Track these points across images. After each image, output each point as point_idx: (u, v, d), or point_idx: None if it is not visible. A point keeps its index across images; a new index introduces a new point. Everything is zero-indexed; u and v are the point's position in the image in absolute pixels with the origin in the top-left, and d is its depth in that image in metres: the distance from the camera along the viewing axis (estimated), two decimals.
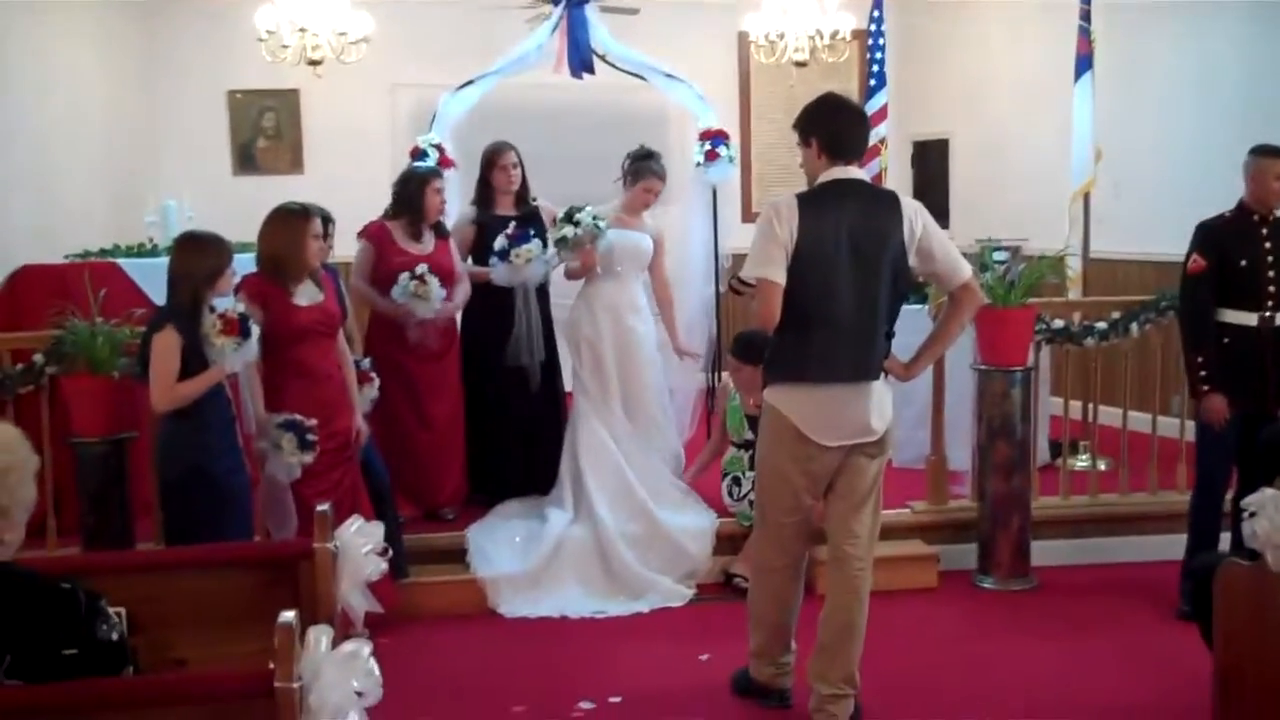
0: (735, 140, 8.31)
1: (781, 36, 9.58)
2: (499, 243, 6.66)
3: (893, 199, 4.70)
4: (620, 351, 6.61)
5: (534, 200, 7.05)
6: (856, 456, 4.67)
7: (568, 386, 7.05)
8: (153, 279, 6.11)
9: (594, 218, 6.45)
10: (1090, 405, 6.98)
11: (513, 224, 6.74)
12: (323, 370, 5.57)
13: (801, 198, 4.59)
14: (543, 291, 6.96)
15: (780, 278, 4.51)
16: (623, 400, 6.63)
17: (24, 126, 8.17)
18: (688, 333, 7.21)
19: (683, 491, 6.61)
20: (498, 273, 6.69)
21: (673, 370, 6.93)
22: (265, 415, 5.40)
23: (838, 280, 4.52)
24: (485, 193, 6.98)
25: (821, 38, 9.52)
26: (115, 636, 2.93)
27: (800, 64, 9.62)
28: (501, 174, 6.92)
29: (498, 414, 6.85)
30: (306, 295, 5.55)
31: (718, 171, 7.66)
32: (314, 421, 5.39)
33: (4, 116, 7.89)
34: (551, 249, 6.66)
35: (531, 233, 6.71)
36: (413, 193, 6.61)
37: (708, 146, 7.61)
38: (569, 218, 6.45)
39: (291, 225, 5.50)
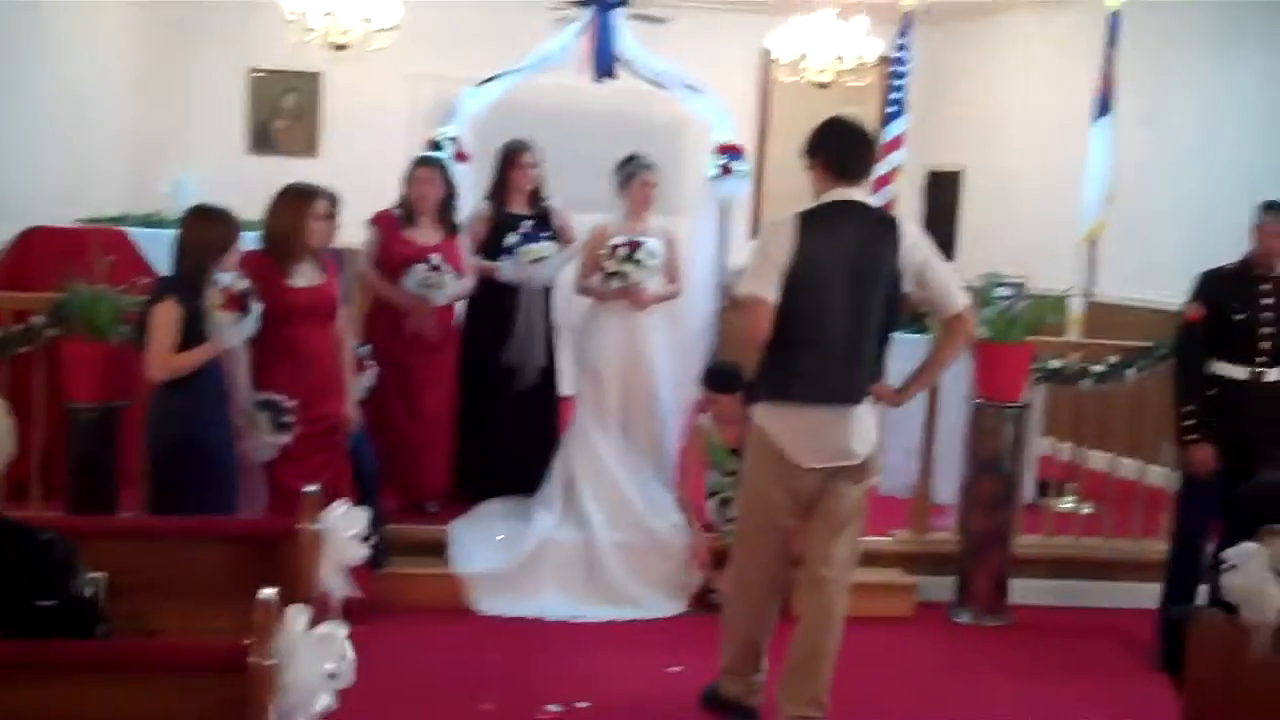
0: (751, 155, 8.36)
1: (805, 57, 9.64)
2: (510, 239, 6.70)
3: (891, 222, 4.73)
4: (628, 372, 6.57)
5: (545, 200, 7.07)
6: (838, 480, 4.70)
7: (565, 390, 7.10)
8: (159, 249, 6.14)
9: (653, 256, 6.46)
10: (1080, 448, 7.00)
11: (529, 222, 6.78)
12: (313, 352, 5.58)
13: (802, 216, 4.62)
14: (546, 293, 6.98)
15: (771, 296, 4.53)
16: (623, 416, 6.61)
17: (56, 91, 8.24)
18: (686, 345, 7.21)
19: (675, 504, 6.54)
20: (505, 269, 6.72)
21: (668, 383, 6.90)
22: (246, 391, 5.42)
23: (830, 301, 4.55)
24: (500, 189, 6.97)
25: (845, 61, 9.59)
26: (89, 593, 2.97)
27: (821, 85, 9.68)
28: (519, 172, 6.91)
29: (490, 411, 6.87)
30: (305, 276, 5.58)
31: (730, 186, 7.71)
32: (293, 403, 5.41)
33: (38, 81, 7.96)
34: (561, 254, 6.72)
35: (544, 234, 6.75)
36: (404, 181, 6.67)
37: (722, 160, 7.65)
38: (631, 258, 6.42)
39: (294, 204, 5.55)
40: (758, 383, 4.79)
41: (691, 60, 8.55)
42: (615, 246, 6.45)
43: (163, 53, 10.19)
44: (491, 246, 6.84)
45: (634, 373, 6.61)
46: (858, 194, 4.72)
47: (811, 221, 4.61)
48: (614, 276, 6.46)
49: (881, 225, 4.71)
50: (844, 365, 4.61)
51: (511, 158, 6.95)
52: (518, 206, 6.96)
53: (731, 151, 7.72)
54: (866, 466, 4.76)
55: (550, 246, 6.73)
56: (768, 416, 4.71)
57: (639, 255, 6.43)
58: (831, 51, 9.62)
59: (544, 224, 6.86)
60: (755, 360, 4.77)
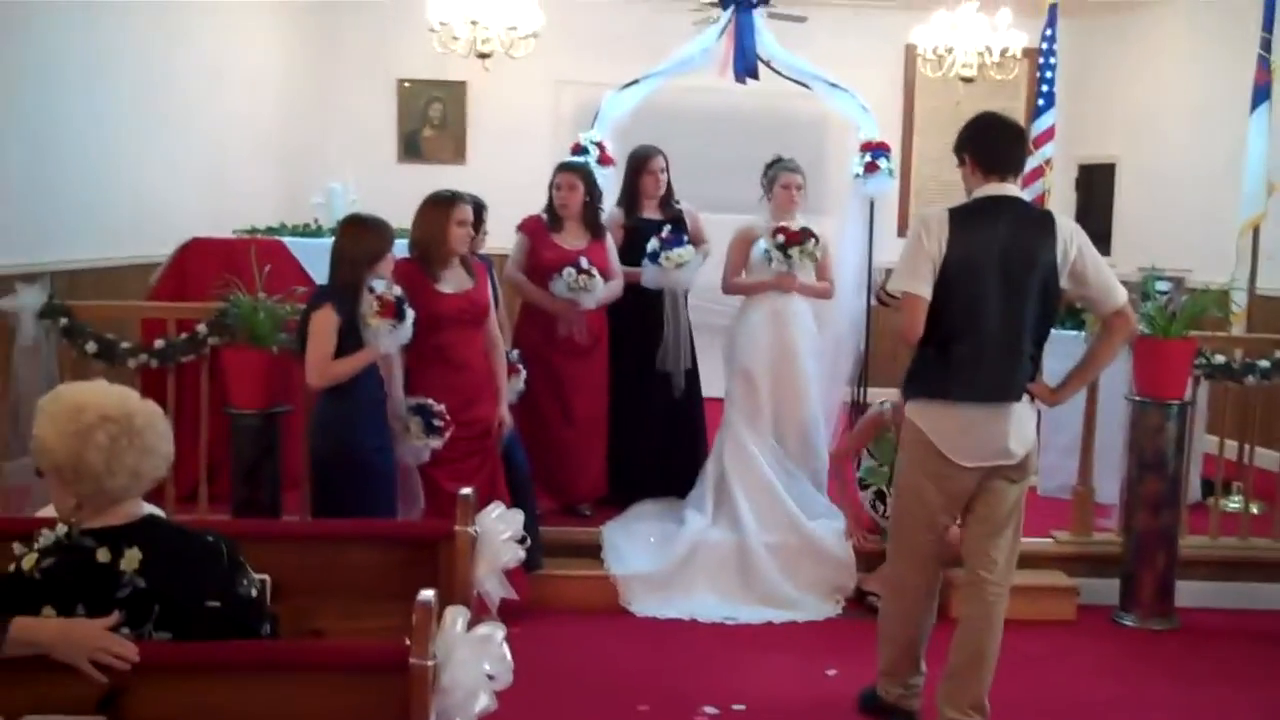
0: (895, 153, 8.23)
1: (950, 51, 9.50)
2: (652, 245, 6.70)
3: (1047, 218, 4.62)
4: (778, 368, 6.58)
5: (677, 203, 7.09)
6: (996, 479, 4.60)
7: (707, 390, 7.11)
8: (315, 259, 6.25)
9: (819, 247, 6.48)
10: (1247, 446, 6.74)
11: (666, 228, 6.78)
12: (464, 358, 5.64)
13: (953, 212, 4.54)
14: (685, 296, 6.98)
15: (925, 292, 4.47)
16: (774, 417, 6.62)
17: (201, 107, 8.46)
18: (836, 345, 7.17)
19: (828, 506, 6.54)
20: (648, 274, 6.73)
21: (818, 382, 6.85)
22: (400, 397, 5.48)
23: (984, 297, 4.46)
24: (631, 196, 7.05)
25: (990, 54, 9.44)
26: (254, 593, 3.01)
27: (967, 80, 9.53)
28: (649, 179, 6.97)
29: (638, 416, 6.87)
30: (454, 283, 5.63)
31: (876, 184, 7.57)
32: (442, 407, 5.46)
33: (183, 98, 8.18)
34: (699, 257, 6.72)
35: (685, 237, 6.74)
36: (549, 186, 6.72)
37: (867, 158, 7.53)
38: (784, 246, 6.42)
39: (436, 211, 5.59)
40: (912, 379, 4.70)
41: (834, 58, 8.46)
42: (777, 230, 6.46)
43: (311, 65, 10.42)
44: (625, 253, 6.84)
45: (784, 372, 6.60)
46: (1010, 190, 4.62)
47: (963, 218, 4.53)
48: (775, 259, 6.44)
49: (1036, 221, 4.60)
50: (1001, 362, 4.51)
51: (641, 164, 7.00)
52: (650, 212, 7.01)
53: (877, 148, 7.59)
54: (1024, 465, 4.65)
55: (690, 250, 6.73)
56: (922, 414, 4.63)
57: (807, 245, 6.43)
58: (976, 45, 9.46)
59: (679, 228, 6.85)
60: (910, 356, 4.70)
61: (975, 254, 4.46)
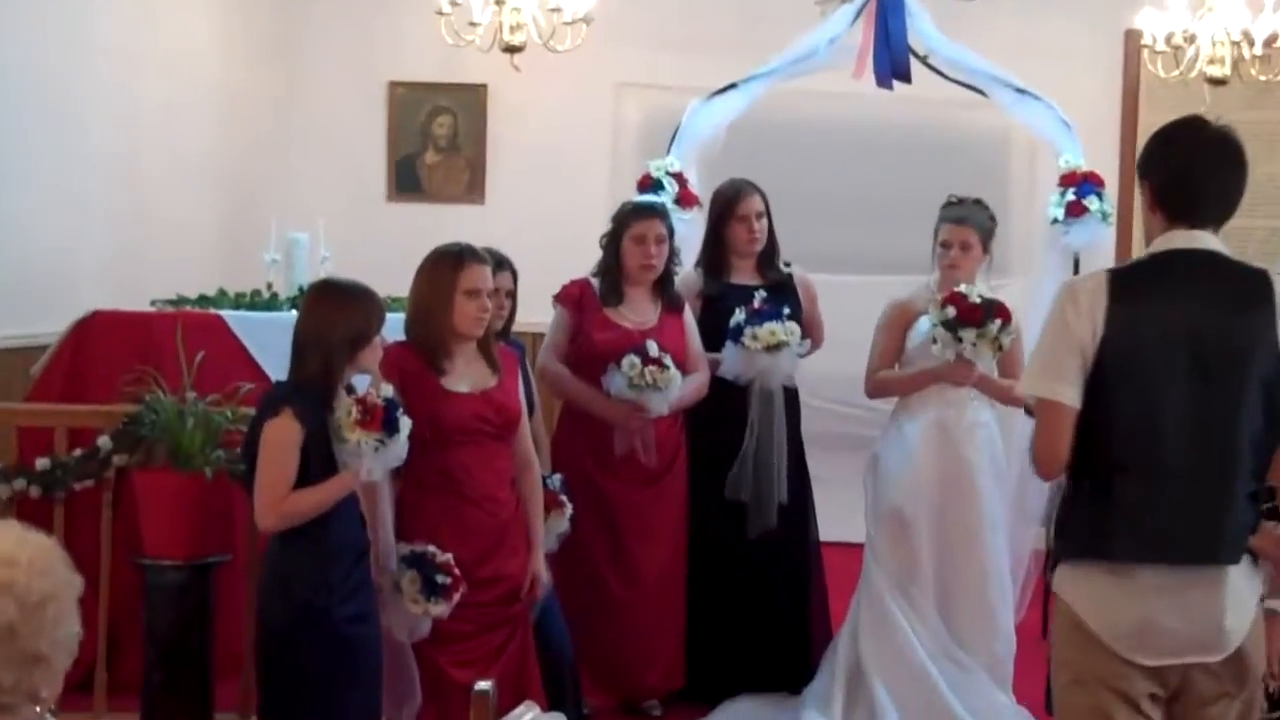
0: (1112, 188, 8.23)
1: (1191, 40, 9.50)
2: (736, 316, 6.70)
3: (1259, 281, 4.33)
4: (945, 507, 6.57)
5: (787, 266, 7.12)
6: (1199, 684, 4.27)
7: (834, 534, 7.16)
8: (270, 341, 6.31)
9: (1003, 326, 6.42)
10: None
11: (759, 294, 6.80)
12: (483, 488, 5.64)
13: (1115, 275, 4.31)
14: (792, 398, 6.99)
15: (1072, 398, 4.28)
16: (938, 581, 6.59)
17: (107, 122, 8.56)
18: (1024, 469, 7.11)
19: (1011, 707, 6.52)
20: (728, 359, 6.74)
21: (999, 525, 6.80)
22: (390, 542, 5.49)
23: (1167, 404, 4.20)
24: (716, 253, 7.07)
25: (1252, 44, 9.41)
26: None
27: (1217, 81, 9.51)
28: (741, 227, 6.97)
29: (719, 570, 6.85)
30: (469, 378, 5.64)
31: (1083, 232, 7.56)
32: (449, 557, 5.43)
33: (83, 107, 8.29)
34: (802, 344, 6.73)
35: (785, 310, 6.75)
36: (610, 237, 6.77)
37: (1070, 196, 7.54)
38: (971, 325, 6.39)
39: (438, 274, 5.59)
40: (1062, 533, 4.47)
41: (1023, 51, 8.55)
42: (948, 299, 6.41)
43: (266, 68, 10.52)
44: (707, 332, 6.86)
45: (953, 513, 6.58)
46: (1206, 242, 4.41)
47: (1131, 284, 4.28)
48: (940, 340, 6.42)
49: (1243, 286, 4.35)
50: (1198, 503, 4.20)
51: (729, 207, 7.02)
52: (742, 275, 7.03)
53: (1084, 182, 7.59)
54: (1244, 661, 4.32)
55: (792, 328, 6.71)
56: (1074, 584, 4.32)
57: (988, 329, 6.38)
58: (1230, 31, 9.46)
59: (780, 297, 6.88)
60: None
61: (1150, 338, 4.18)
